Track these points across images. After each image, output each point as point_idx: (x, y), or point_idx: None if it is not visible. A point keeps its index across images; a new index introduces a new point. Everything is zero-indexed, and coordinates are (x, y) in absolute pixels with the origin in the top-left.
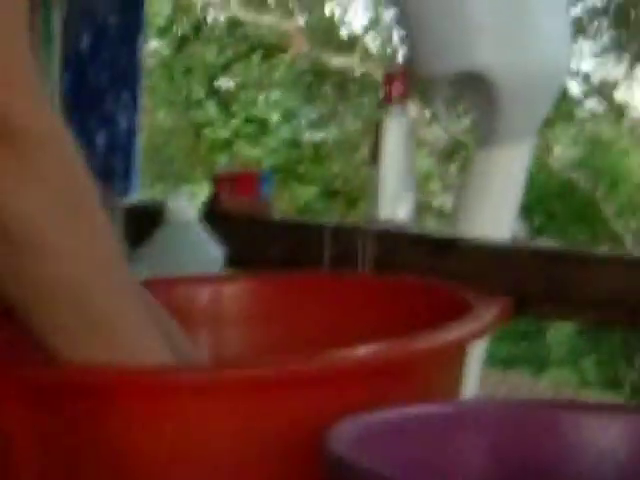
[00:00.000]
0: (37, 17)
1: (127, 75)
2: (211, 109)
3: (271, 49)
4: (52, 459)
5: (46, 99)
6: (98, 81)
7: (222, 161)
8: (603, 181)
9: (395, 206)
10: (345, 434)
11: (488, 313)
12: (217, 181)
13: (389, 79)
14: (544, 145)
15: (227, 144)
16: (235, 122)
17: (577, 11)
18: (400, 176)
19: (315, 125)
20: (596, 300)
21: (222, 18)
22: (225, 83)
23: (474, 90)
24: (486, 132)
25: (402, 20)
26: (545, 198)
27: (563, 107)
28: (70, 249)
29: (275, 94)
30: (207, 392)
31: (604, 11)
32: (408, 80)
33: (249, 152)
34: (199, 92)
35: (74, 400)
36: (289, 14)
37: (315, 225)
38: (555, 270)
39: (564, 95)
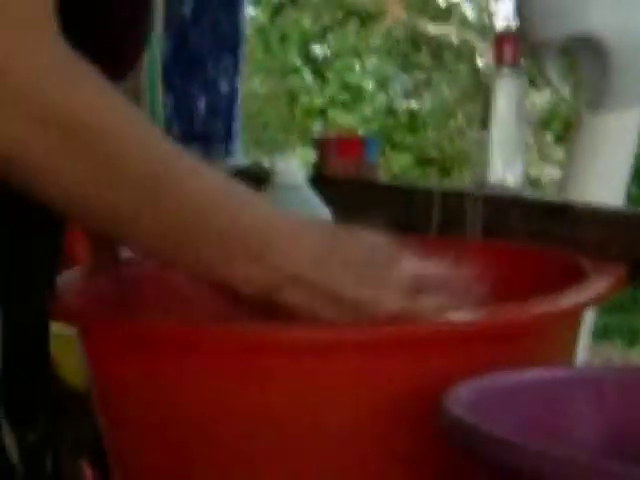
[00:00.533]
0: None
1: (228, 40)
2: (306, 76)
3: (367, 16)
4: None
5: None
6: (200, 45)
7: (317, 128)
8: None
9: (505, 170)
10: (462, 396)
11: (605, 280)
12: (322, 145)
13: (500, 41)
14: None
15: (322, 111)
16: (330, 89)
17: None
18: (511, 140)
19: (410, 93)
20: None
21: None
22: (321, 50)
23: (584, 54)
24: (597, 97)
25: None
26: None
27: None
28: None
29: (371, 62)
30: (333, 351)
31: None
32: (519, 42)
33: (344, 119)
34: (295, 59)
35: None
36: None
37: (423, 189)
38: None
39: None
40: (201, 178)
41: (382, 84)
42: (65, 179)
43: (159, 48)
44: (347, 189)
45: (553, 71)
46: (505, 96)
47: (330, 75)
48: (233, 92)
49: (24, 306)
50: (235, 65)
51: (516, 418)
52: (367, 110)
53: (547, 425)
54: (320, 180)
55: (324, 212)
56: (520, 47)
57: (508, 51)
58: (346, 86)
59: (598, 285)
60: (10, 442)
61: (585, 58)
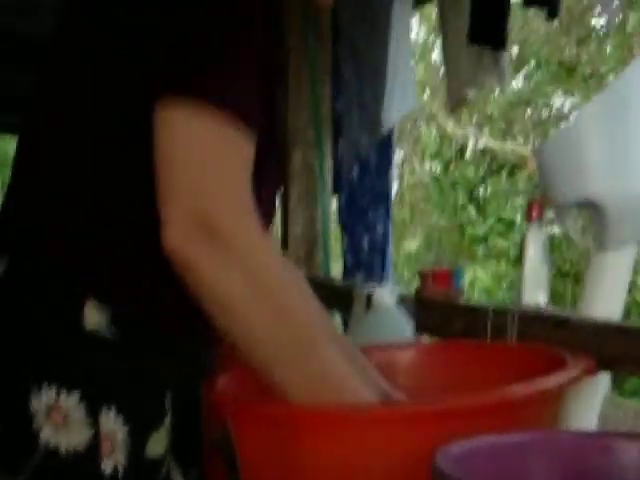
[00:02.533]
0: (313, 159)
1: (382, 196)
2: (471, 212)
3: (514, 167)
4: (276, 467)
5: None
6: (363, 200)
7: (480, 251)
8: None
9: (535, 295)
10: (450, 454)
11: (577, 368)
12: (422, 276)
13: (530, 205)
14: None
15: (484, 238)
16: (489, 221)
17: None
18: (538, 273)
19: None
20: None
21: (478, 144)
22: (482, 192)
23: (591, 209)
24: (600, 241)
25: (538, 159)
26: None
27: None
28: None
29: (519, 200)
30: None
31: None
32: (544, 205)
33: (501, 244)
34: (462, 199)
35: (300, 429)
36: (527, 140)
37: (482, 307)
38: (633, 341)
39: None
40: (333, 353)
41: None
42: (248, 323)
43: (329, 205)
44: (436, 307)
45: (568, 223)
46: (533, 243)
47: (489, 211)
48: (387, 234)
49: (185, 392)
50: (387, 214)
51: (489, 471)
52: (517, 237)
53: (513, 476)
54: (419, 301)
55: (408, 324)
56: (544, 207)
57: (535, 211)
58: (501, 219)
59: (572, 372)
60: (177, 476)
61: (592, 213)
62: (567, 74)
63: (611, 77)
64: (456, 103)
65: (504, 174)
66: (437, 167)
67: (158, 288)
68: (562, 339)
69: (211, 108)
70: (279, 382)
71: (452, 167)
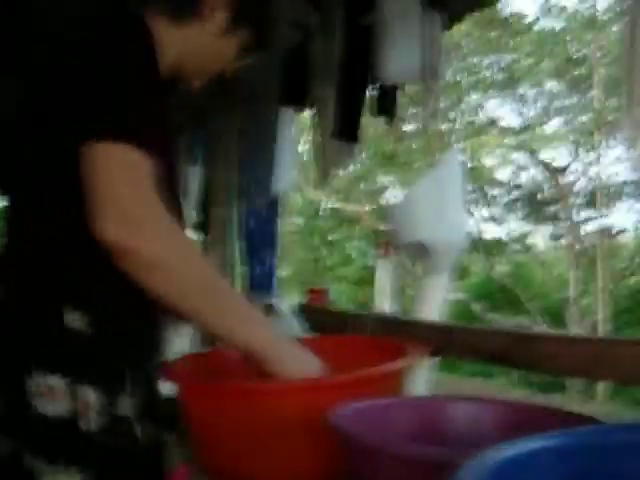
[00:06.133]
0: (229, 211)
1: (272, 238)
2: (324, 251)
3: (353, 221)
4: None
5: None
6: (260, 240)
7: (329, 277)
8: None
9: (384, 305)
10: (340, 413)
11: (414, 354)
12: (308, 293)
13: (380, 244)
14: None
15: (331, 268)
16: (335, 257)
17: None
18: (387, 292)
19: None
20: (475, 350)
21: (329, 205)
22: (331, 237)
23: (421, 248)
24: (427, 267)
25: (389, 215)
26: None
27: None
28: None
29: (355, 243)
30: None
31: None
32: (391, 244)
33: (343, 272)
34: (320, 244)
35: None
36: (362, 204)
37: (349, 313)
38: (449, 333)
39: None
40: (236, 298)
41: (363, 254)
42: (175, 294)
43: (235, 245)
44: (317, 314)
45: (408, 255)
46: (383, 271)
47: (336, 250)
48: (273, 263)
49: (142, 371)
50: (274, 250)
51: (367, 423)
52: (353, 268)
53: (380, 426)
54: (306, 308)
55: (298, 326)
56: (391, 245)
57: (385, 249)
58: (344, 255)
59: (411, 358)
60: (137, 429)
61: (422, 250)
62: (388, 162)
63: (417, 165)
64: (324, 179)
65: (345, 226)
66: (301, 220)
67: (116, 296)
68: (403, 334)
69: (118, 144)
70: (208, 324)
71: (311, 221)
